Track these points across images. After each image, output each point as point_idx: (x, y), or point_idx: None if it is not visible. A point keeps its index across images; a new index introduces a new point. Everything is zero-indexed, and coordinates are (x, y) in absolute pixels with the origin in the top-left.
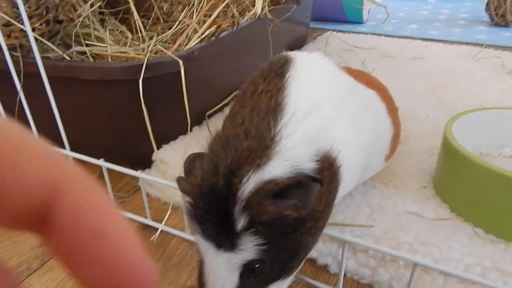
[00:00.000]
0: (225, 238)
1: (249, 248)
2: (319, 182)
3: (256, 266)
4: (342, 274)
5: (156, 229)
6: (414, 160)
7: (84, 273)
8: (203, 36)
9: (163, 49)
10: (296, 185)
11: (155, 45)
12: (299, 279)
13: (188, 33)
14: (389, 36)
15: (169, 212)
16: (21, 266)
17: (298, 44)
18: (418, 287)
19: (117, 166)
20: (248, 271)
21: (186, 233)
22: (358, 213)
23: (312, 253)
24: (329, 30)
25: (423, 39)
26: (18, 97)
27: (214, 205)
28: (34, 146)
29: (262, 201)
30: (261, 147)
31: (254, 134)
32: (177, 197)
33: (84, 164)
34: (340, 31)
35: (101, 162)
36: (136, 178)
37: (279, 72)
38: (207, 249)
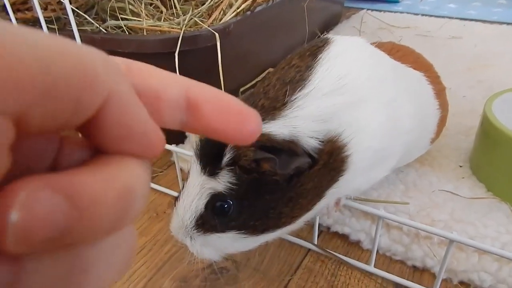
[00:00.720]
0: (210, 165)
1: (223, 182)
2: (312, 161)
3: (222, 205)
4: (375, 250)
5: None
6: (450, 140)
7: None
8: (238, 10)
9: (199, 22)
10: (288, 151)
11: (191, 19)
12: (331, 254)
13: (223, 8)
14: (426, 15)
15: None
16: None
17: (332, 22)
18: (452, 264)
19: None
20: (214, 205)
21: None
22: (392, 190)
23: (344, 229)
24: (364, 8)
25: (461, 19)
26: None
27: (215, 142)
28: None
29: (248, 147)
30: (272, 107)
31: (270, 96)
32: None
33: None
34: (376, 10)
35: None
36: (169, 153)
37: (313, 52)
38: (193, 170)
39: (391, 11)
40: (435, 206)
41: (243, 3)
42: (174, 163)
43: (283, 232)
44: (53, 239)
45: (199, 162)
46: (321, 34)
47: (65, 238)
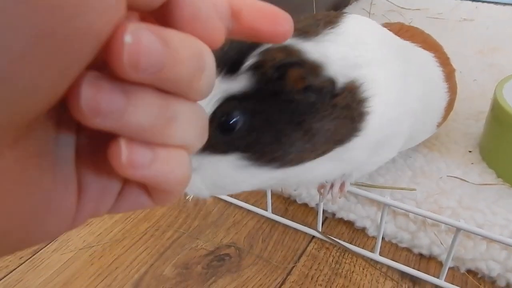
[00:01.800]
0: (230, 68)
1: (239, 85)
2: (334, 87)
3: (230, 119)
4: (381, 238)
5: None
6: (459, 125)
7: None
8: None
9: None
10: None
11: None
12: (335, 242)
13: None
14: None
15: None
16: None
17: (341, 4)
18: (459, 252)
19: None
20: (220, 119)
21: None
22: (399, 176)
23: (350, 216)
24: None
25: (473, 1)
26: None
27: (240, 47)
28: None
29: (276, 52)
30: (304, 32)
31: (303, 24)
32: None
33: None
34: None
35: None
36: None
37: (331, 19)
38: None
39: None
40: (443, 193)
41: None
42: None
43: (284, 176)
44: (152, 70)
45: (217, 65)
46: None
47: (160, 73)
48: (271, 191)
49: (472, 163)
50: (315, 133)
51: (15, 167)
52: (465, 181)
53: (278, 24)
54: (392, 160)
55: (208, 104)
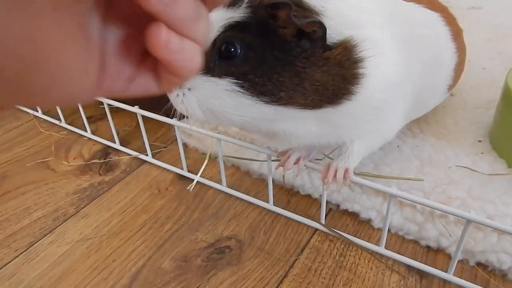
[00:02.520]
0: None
1: (239, 15)
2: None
3: (230, 47)
4: (386, 230)
5: (194, 179)
6: (468, 113)
7: None
8: None
9: None
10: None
11: None
12: (338, 234)
13: None
14: None
15: (205, 163)
16: (57, 212)
17: None
18: (469, 244)
19: (151, 113)
20: (221, 45)
21: (222, 185)
22: (406, 166)
23: (354, 207)
24: None
25: None
26: None
27: None
28: None
29: None
30: None
31: None
32: (215, 147)
33: (119, 111)
34: None
35: (135, 109)
36: (173, 128)
37: None
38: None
39: None
40: (452, 183)
41: None
42: (177, 139)
43: (275, 114)
44: None
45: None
46: None
47: None
48: (272, 183)
49: (482, 153)
50: (304, 77)
51: (53, 26)
52: (475, 171)
53: None
54: (399, 150)
55: (211, 30)
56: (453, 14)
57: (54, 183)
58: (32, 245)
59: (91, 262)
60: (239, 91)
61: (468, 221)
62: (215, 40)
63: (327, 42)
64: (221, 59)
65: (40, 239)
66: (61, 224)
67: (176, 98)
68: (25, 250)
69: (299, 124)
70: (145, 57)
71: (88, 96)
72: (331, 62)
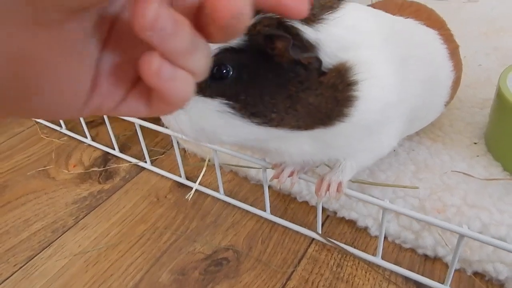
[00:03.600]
0: None
1: (236, 41)
2: (320, 65)
3: (222, 68)
4: (382, 241)
5: (192, 186)
6: (464, 113)
7: None
8: None
9: None
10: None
11: None
12: (336, 245)
13: None
14: None
15: (203, 171)
16: (56, 223)
17: None
18: (465, 253)
19: (149, 123)
20: (214, 66)
21: (220, 193)
22: (402, 171)
23: (351, 214)
24: None
25: None
26: None
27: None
28: None
29: (269, 20)
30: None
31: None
32: (212, 152)
33: (117, 120)
34: None
35: (133, 118)
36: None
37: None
38: None
39: None
40: (447, 189)
41: None
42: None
43: (267, 135)
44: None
45: None
46: None
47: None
48: (269, 189)
49: (478, 156)
50: (297, 101)
51: (44, 43)
52: (470, 176)
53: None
54: (394, 154)
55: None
56: (450, 30)
57: (54, 192)
58: (31, 259)
59: (89, 277)
60: (230, 112)
61: (461, 236)
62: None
63: (322, 68)
64: (213, 79)
65: (39, 253)
66: (60, 236)
67: (169, 116)
68: (24, 265)
69: (291, 143)
70: (138, 81)
71: (74, 113)
72: (324, 86)
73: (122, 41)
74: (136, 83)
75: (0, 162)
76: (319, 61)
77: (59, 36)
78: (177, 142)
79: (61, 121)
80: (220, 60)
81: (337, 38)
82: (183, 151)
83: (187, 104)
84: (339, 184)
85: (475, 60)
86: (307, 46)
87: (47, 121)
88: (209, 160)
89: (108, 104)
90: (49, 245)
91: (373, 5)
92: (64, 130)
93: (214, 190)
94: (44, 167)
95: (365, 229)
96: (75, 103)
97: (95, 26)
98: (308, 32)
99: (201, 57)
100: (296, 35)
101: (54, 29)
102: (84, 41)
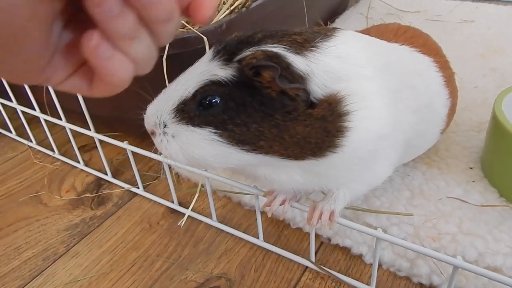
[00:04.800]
0: (224, 56)
1: (226, 73)
2: (308, 98)
3: (210, 98)
4: (376, 270)
5: (185, 213)
6: (460, 137)
7: None
8: (232, 8)
9: (187, 25)
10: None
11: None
12: (329, 273)
13: (217, 5)
14: None
15: (196, 198)
16: (47, 251)
17: (338, 9)
18: (460, 282)
19: (141, 149)
20: (201, 96)
21: (213, 220)
22: (396, 197)
23: (345, 241)
24: None
25: (474, 0)
26: None
27: (241, 42)
28: None
29: (259, 53)
30: (300, 44)
31: (303, 36)
32: (205, 178)
33: (110, 144)
34: None
35: (125, 145)
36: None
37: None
38: (201, 60)
39: None
40: (442, 216)
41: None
42: (169, 168)
43: (257, 161)
44: (147, 3)
45: (215, 51)
46: (325, 25)
47: (151, 8)
48: (263, 215)
49: (473, 181)
50: (284, 130)
51: (32, 14)
52: (466, 202)
53: (200, 9)
54: (389, 179)
55: (196, 82)
56: (445, 56)
57: (46, 219)
58: None
59: None
60: (218, 140)
61: (455, 268)
62: (196, 92)
63: (312, 98)
64: (200, 109)
65: (29, 282)
66: (51, 264)
67: (161, 144)
68: None
69: (282, 172)
70: (85, 63)
71: (29, 78)
72: (314, 117)
73: (79, 25)
74: (84, 64)
75: None
76: (306, 93)
77: (41, 10)
78: (169, 168)
79: (54, 146)
80: (207, 91)
81: (329, 69)
82: (177, 176)
83: (124, 87)
84: (332, 213)
85: (471, 81)
86: (296, 78)
87: (40, 145)
88: (202, 186)
89: (56, 77)
90: (39, 273)
91: (368, 30)
92: (57, 155)
93: (207, 217)
94: (37, 192)
95: (360, 256)
96: (33, 70)
97: (64, 7)
98: (299, 62)
99: (140, 46)
100: (285, 67)
101: (43, 5)
102: (54, 19)
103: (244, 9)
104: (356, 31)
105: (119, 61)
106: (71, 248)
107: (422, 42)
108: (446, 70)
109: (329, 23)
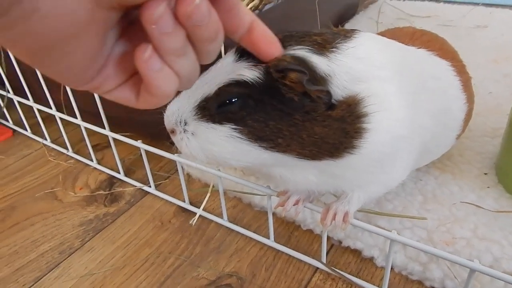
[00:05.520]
0: (249, 58)
1: (252, 75)
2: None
3: (231, 97)
4: (388, 273)
5: (196, 212)
6: (474, 143)
7: None
8: None
9: None
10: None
11: None
12: (340, 274)
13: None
14: (449, 2)
15: (207, 197)
16: (63, 244)
17: (348, 13)
18: (475, 287)
19: (154, 148)
20: (224, 97)
21: (224, 219)
22: (409, 201)
23: (357, 244)
24: None
25: (487, 5)
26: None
27: None
28: None
29: (287, 57)
30: (322, 45)
31: (323, 37)
32: (216, 180)
33: (122, 143)
34: None
35: (139, 143)
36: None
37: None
38: (224, 59)
39: None
40: (456, 221)
41: (250, 2)
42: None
43: (274, 160)
44: (196, 23)
45: (239, 51)
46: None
47: (199, 27)
48: (273, 216)
49: (488, 187)
50: (302, 129)
51: (88, 24)
52: (480, 207)
53: (272, 47)
54: (402, 184)
55: (220, 81)
56: (462, 61)
57: (61, 214)
58: (39, 279)
59: None
60: (238, 137)
61: (472, 271)
62: (219, 90)
63: (333, 100)
64: (221, 106)
65: (47, 274)
66: (67, 257)
67: (181, 142)
68: (32, 285)
69: (297, 172)
70: (135, 75)
71: (80, 83)
72: (332, 118)
73: (133, 38)
74: (133, 76)
75: (9, 184)
76: (329, 95)
77: (100, 18)
78: (182, 167)
79: (68, 144)
80: (230, 90)
81: (349, 70)
82: (187, 176)
83: (168, 100)
84: (346, 214)
85: (484, 87)
86: (319, 80)
87: (54, 143)
88: (213, 186)
89: (107, 85)
90: (56, 266)
91: (383, 34)
92: (70, 153)
93: (217, 216)
94: (52, 189)
95: (371, 259)
96: (84, 76)
97: (120, 19)
98: (322, 64)
99: (186, 63)
100: (311, 69)
101: (101, 11)
102: (109, 29)
103: (256, 11)
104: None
105: (167, 74)
106: (86, 243)
107: (438, 46)
108: (463, 75)
109: (339, 27)
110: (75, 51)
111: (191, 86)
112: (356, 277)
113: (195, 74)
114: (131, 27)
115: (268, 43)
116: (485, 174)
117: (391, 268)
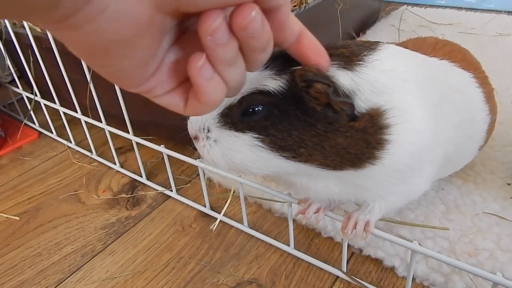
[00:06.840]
0: (276, 66)
1: (276, 85)
2: (353, 111)
3: (256, 106)
4: (410, 283)
5: (216, 217)
6: (497, 152)
7: None
8: None
9: None
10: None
11: None
12: (360, 284)
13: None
14: (471, 9)
15: (228, 203)
16: (86, 247)
17: (370, 20)
18: None
19: (176, 153)
20: (246, 104)
21: (244, 225)
22: (431, 211)
23: (378, 253)
24: (404, 4)
25: (509, 13)
26: (89, 85)
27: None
28: None
29: (312, 68)
30: (348, 59)
31: (350, 49)
32: (237, 184)
33: (145, 147)
34: (416, 5)
35: (161, 148)
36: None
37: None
38: None
39: (433, 6)
40: (479, 232)
41: None
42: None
43: (295, 169)
44: (250, 34)
45: (276, 64)
46: (357, 36)
47: (252, 38)
48: (294, 223)
49: (511, 197)
50: (324, 140)
51: (146, 30)
52: (504, 218)
53: (321, 58)
54: (424, 193)
55: (244, 89)
56: (485, 72)
57: (84, 217)
58: (61, 282)
59: None
60: (260, 146)
61: (495, 284)
62: (243, 98)
63: (356, 112)
64: (244, 115)
65: (69, 276)
66: (89, 260)
67: (203, 149)
68: None
69: (318, 181)
70: (185, 82)
71: (133, 85)
72: (355, 129)
73: (186, 45)
74: (183, 83)
75: (34, 185)
76: (352, 107)
77: (158, 22)
78: (203, 172)
79: (92, 147)
80: (253, 99)
81: (374, 83)
82: (208, 181)
83: (215, 107)
84: (367, 223)
85: (507, 96)
86: (344, 92)
87: (78, 146)
88: (234, 191)
89: (158, 89)
90: (78, 269)
91: (405, 43)
92: (94, 155)
93: (238, 222)
94: (75, 191)
95: (392, 269)
96: (139, 78)
97: (175, 26)
98: (347, 78)
99: (236, 72)
100: (336, 82)
101: (159, 16)
102: (165, 33)
103: None
104: (393, 44)
105: (217, 83)
106: (107, 246)
107: (461, 57)
108: (486, 86)
109: (361, 34)
110: (134, 53)
111: (237, 94)
112: (377, 287)
113: (242, 82)
114: (184, 36)
115: (317, 54)
116: (508, 184)
117: (413, 279)
